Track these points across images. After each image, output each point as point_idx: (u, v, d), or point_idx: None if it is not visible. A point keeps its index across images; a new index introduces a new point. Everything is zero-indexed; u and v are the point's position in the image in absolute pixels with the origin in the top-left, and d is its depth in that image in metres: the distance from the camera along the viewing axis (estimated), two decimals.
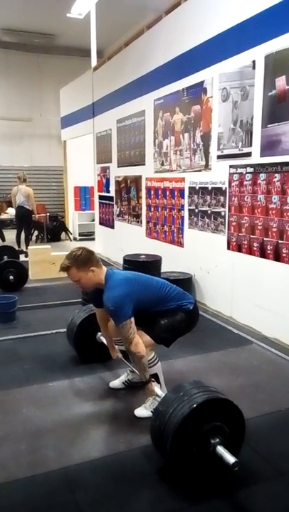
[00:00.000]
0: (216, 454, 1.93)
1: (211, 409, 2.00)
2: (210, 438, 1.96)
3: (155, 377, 2.57)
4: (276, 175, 3.61)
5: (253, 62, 3.79)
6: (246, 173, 3.96)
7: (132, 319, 2.40)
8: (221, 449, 1.93)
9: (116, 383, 2.95)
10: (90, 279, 2.51)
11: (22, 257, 6.88)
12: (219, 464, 1.93)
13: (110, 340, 2.90)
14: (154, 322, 2.56)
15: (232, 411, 2.08)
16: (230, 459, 1.88)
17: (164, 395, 2.53)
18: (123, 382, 2.94)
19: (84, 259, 2.50)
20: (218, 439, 1.95)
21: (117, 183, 7.10)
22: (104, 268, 2.58)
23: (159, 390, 2.44)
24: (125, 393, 2.88)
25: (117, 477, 2.10)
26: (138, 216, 6.42)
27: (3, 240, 9.00)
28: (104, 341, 3.01)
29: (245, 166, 3.97)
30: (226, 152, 4.25)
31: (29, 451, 2.29)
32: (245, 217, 4.01)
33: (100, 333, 3.09)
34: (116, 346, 2.91)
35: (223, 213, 4.35)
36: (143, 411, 2.57)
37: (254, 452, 2.28)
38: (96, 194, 8.35)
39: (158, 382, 2.58)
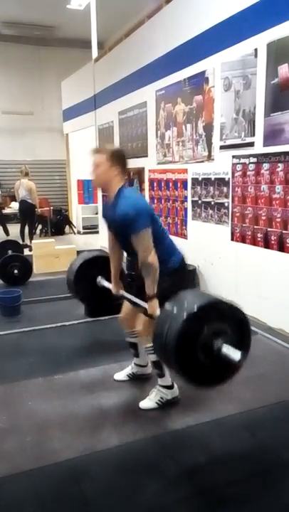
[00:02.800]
0: (221, 356, 1.88)
1: (208, 314, 1.94)
2: (212, 341, 1.90)
3: (159, 363, 2.52)
4: (279, 164, 3.58)
5: (255, 50, 3.74)
6: (249, 163, 3.93)
7: (150, 228, 2.33)
8: (225, 349, 1.88)
9: (120, 375, 2.95)
10: (107, 174, 2.42)
11: (26, 251, 6.89)
12: (228, 365, 1.92)
13: (116, 272, 2.77)
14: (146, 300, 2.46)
15: (231, 311, 2.02)
16: (236, 354, 1.84)
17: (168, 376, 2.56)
18: (128, 375, 2.94)
19: (118, 156, 2.45)
20: (220, 340, 1.90)
21: None
22: (123, 183, 2.51)
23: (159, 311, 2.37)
24: (130, 385, 2.88)
25: (123, 468, 2.11)
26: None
27: (7, 234, 9.01)
28: (105, 284, 2.89)
29: (248, 156, 3.94)
30: (228, 142, 4.21)
31: (35, 443, 2.30)
32: (249, 208, 3.99)
33: (100, 277, 2.96)
34: (132, 340, 2.85)
35: (226, 204, 4.33)
36: (148, 402, 2.58)
37: (259, 442, 2.29)
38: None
39: (161, 368, 2.55)
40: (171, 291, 2.46)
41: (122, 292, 2.74)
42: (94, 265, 2.97)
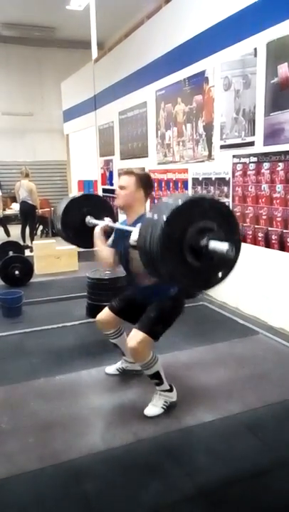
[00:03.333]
0: (210, 252, 1.79)
1: (188, 214, 1.84)
2: (198, 239, 1.81)
3: (157, 374, 2.54)
4: (280, 164, 3.58)
5: (255, 49, 3.74)
6: (250, 162, 3.93)
7: None
8: (212, 243, 1.78)
9: (111, 369, 3.04)
10: (133, 196, 2.54)
11: (27, 252, 6.90)
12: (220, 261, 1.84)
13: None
14: (144, 317, 2.51)
15: (212, 207, 1.92)
16: (223, 246, 1.75)
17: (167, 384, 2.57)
18: (117, 369, 3.03)
19: (145, 181, 2.57)
20: (206, 237, 1.80)
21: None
22: (146, 206, 2.64)
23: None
24: (132, 385, 2.89)
25: (125, 469, 2.12)
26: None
27: (8, 235, 9.01)
28: (95, 222, 2.86)
29: (248, 156, 3.93)
30: (228, 142, 4.21)
31: (37, 444, 2.31)
32: (249, 207, 3.99)
33: (89, 217, 2.95)
34: (112, 341, 2.89)
35: (227, 204, 4.32)
36: (153, 409, 2.56)
37: (260, 442, 2.29)
38: (100, 187, 8.32)
39: (160, 378, 2.56)
40: (170, 315, 2.54)
41: (110, 224, 2.74)
42: (81, 205, 2.96)
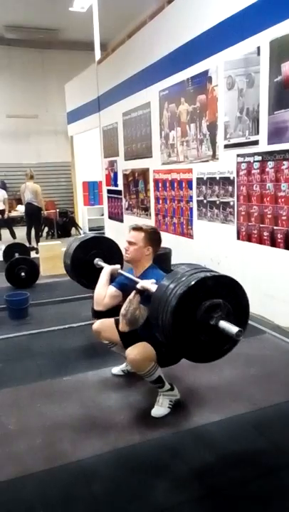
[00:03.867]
0: (219, 329, 1.89)
1: (207, 288, 1.94)
2: (211, 314, 1.90)
3: (159, 379, 2.53)
4: (284, 162, 3.57)
5: (258, 48, 3.73)
6: (254, 161, 3.92)
7: None
8: (223, 322, 1.88)
9: (116, 370, 3.08)
10: (141, 252, 2.62)
11: (33, 254, 6.93)
12: (225, 340, 1.94)
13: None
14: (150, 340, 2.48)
15: (231, 287, 2.03)
16: (233, 328, 1.84)
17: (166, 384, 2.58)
18: (122, 370, 3.06)
19: (154, 238, 2.67)
20: (219, 314, 1.90)
21: (125, 176, 7.09)
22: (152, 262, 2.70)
23: (148, 284, 2.37)
24: (138, 385, 2.89)
25: (132, 469, 2.12)
26: (147, 209, 6.40)
27: (14, 237, 9.06)
28: (103, 265, 3.01)
29: (252, 155, 3.92)
30: (232, 141, 4.20)
31: (44, 445, 2.31)
32: (254, 207, 3.98)
33: (97, 259, 3.16)
34: (112, 349, 2.89)
35: (231, 203, 4.32)
36: (160, 410, 2.56)
37: (267, 442, 2.28)
38: (104, 188, 8.34)
39: (162, 382, 2.56)
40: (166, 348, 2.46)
41: (120, 271, 2.83)
42: (90, 247, 3.16)
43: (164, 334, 1.99)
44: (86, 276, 3.27)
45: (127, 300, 2.46)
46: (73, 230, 10.41)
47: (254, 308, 4.16)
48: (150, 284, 2.34)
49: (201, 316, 1.90)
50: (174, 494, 1.95)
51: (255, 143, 3.87)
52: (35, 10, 9.54)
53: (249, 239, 4.11)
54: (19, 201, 9.79)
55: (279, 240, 3.73)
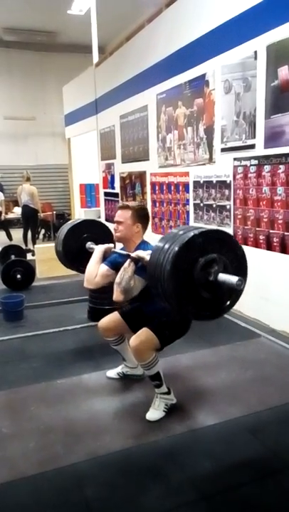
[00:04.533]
0: (219, 283, 1.88)
1: (198, 246, 1.93)
2: (208, 270, 1.89)
3: (158, 375, 2.54)
4: (281, 166, 3.58)
5: (255, 52, 3.74)
6: (250, 165, 3.93)
7: None
8: (222, 275, 1.88)
9: (112, 373, 3.04)
10: (131, 230, 2.59)
11: (29, 256, 6.91)
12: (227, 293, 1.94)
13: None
14: (155, 320, 2.52)
15: (222, 240, 2.01)
16: (233, 279, 1.84)
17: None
18: (118, 373, 3.02)
19: (142, 215, 2.64)
20: (216, 268, 1.89)
21: (122, 179, 7.09)
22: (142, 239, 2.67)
23: (143, 254, 2.35)
24: (133, 389, 2.88)
25: (126, 473, 2.11)
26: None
27: (10, 239, 9.04)
28: (94, 246, 2.93)
29: (249, 159, 3.93)
30: (229, 145, 4.21)
31: (38, 448, 2.30)
32: (251, 210, 3.98)
33: (89, 243, 3.07)
34: (114, 347, 2.90)
35: (228, 207, 4.32)
36: (155, 413, 2.54)
37: (262, 445, 2.28)
38: (101, 191, 8.34)
39: (160, 380, 2.56)
40: (177, 328, 2.54)
41: (113, 249, 2.78)
42: (81, 232, 3.07)
43: (166, 300, 1.96)
44: (79, 261, 3.11)
45: (122, 268, 2.42)
46: None
47: (250, 312, 4.19)
48: (145, 254, 2.31)
49: (199, 274, 1.88)
50: (169, 498, 1.93)
51: (252, 147, 3.88)
52: (33, 12, 9.57)
53: (245, 242, 4.11)
54: (16, 203, 9.78)
55: (275, 244, 3.73)
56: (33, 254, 6.93)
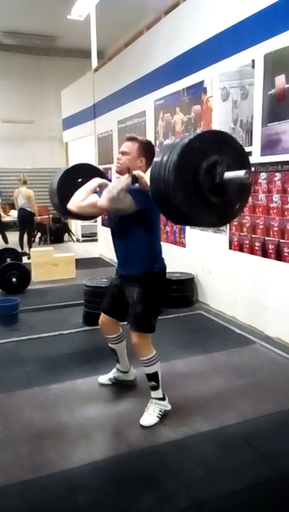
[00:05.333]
0: (226, 183, 1.85)
1: (197, 151, 1.87)
2: (213, 173, 1.85)
3: (155, 375, 2.55)
4: (277, 174, 3.60)
5: (253, 61, 3.78)
6: None
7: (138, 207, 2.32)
8: (228, 173, 1.85)
9: (104, 379, 3.00)
10: (134, 163, 2.45)
11: (25, 259, 6.89)
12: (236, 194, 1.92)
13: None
14: (131, 314, 2.50)
15: (219, 139, 1.97)
16: (240, 173, 1.82)
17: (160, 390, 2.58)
18: (109, 379, 2.99)
19: (149, 150, 2.51)
20: (220, 169, 1.85)
21: None
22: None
23: (144, 175, 2.28)
24: (127, 395, 2.87)
25: (119, 479, 2.10)
26: None
27: (6, 242, 9.01)
28: None
29: None
30: None
31: (31, 453, 2.29)
32: (247, 217, 4.00)
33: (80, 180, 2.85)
34: (112, 346, 2.87)
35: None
36: (149, 418, 2.53)
37: (256, 452, 2.28)
38: None
39: (157, 381, 2.56)
40: (155, 300, 2.53)
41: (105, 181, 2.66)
42: (75, 177, 2.87)
43: (178, 215, 1.92)
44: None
45: (118, 180, 2.35)
46: (66, 236, 10.38)
47: (244, 319, 4.20)
48: (145, 176, 2.24)
49: (204, 179, 1.84)
50: (162, 505, 1.93)
51: (249, 154, 3.90)
52: (33, 17, 9.59)
53: (241, 249, 4.13)
54: (12, 206, 9.76)
55: (270, 251, 3.75)
56: (29, 258, 6.92)
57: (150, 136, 5.80)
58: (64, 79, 10.22)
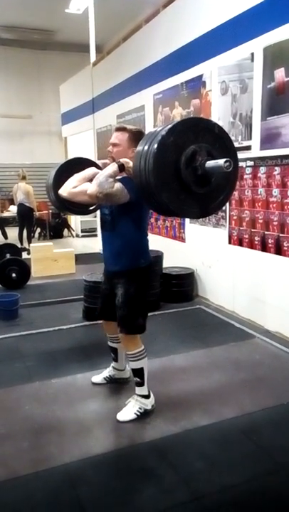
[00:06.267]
0: (207, 170, 1.82)
1: (173, 145, 1.83)
2: (193, 166, 1.82)
3: (140, 371, 2.53)
4: (276, 168, 3.59)
5: (252, 54, 3.75)
6: (246, 166, 3.94)
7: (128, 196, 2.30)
8: (209, 163, 1.81)
9: (98, 378, 2.97)
10: (125, 153, 2.43)
11: (24, 255, 6.89)
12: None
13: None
14: (119, 317, 2.48)
15: (194, 126, 1.93)
16: (220, 161, 1.78)
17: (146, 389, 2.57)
18: (104, 378, 2.96)
19: (139, 138, 2.35)
20: (200, 160, 1.82)
21: None
22: None
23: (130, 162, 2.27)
24: (126, 389, 2.87)
25: (119, 473, 2.11)
26: None
27: (6, 237, 9.01)
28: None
29: (245, 160, 3.94)
30: None
31: (31, 448, 2.30)
32: (246, 211, 3.99)
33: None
34: (112, 345, 2.86)
35: (223, 207, 4.32)
36: (127, 414, 2.52)
37: (256, 446, 2.28)
38: None
39: (142, 377, 2.54)
40: (141, 297, 2.50)
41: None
42: (70, 172, 2.77)
43: (167, 212, 1.92)
44: (74, 202, 2.76)
45: (105, 168, 2.35)
46: (66, 232, 10.37)
47: (244, 313, 4.20)
48: (132, 163, 2.21)
49: (186, 173, 1.81)
50: (162, 499, 1.94)
51: (248, 148, 3.89)
52: (31, 11, 9.53)
53: (240, 243, 4.13)
54: (12, 201, 9.74)
55: (270, 245, 3.75)
56: (29, 253, 6.92)
57: (149, 131, 5.77)
58: (62, 73, 10.16)
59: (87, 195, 2.32)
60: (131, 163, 2.25)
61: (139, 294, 2.49)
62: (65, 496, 1.95)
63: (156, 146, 1.80)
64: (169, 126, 1.84)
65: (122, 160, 2.34)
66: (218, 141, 1.93)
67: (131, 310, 2.47)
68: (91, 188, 2.29)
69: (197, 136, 1.86)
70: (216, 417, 2.54)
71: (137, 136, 2.45)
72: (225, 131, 2.04)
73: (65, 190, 2.50)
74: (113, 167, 2.30)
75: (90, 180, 2.41)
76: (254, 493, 1.98)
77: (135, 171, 1.96)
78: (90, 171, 2.55)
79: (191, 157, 1.82)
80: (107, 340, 2.87)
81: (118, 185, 2.28)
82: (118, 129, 2.51)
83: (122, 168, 2.31)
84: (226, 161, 1.77)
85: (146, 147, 1.88)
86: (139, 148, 1.95)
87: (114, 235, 2.49)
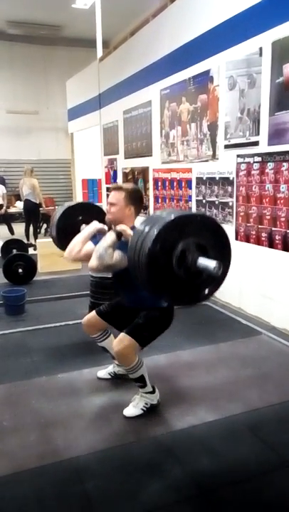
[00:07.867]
0: (199, 268, 1.84)
1: (179, 229, 1.87)
2: (185, 264, 1.84)
3: (141, 378, 2.53)
4: (284, 163, 3.56)
5: (260, 49, 3.72)
6: (254, 162, 3.91)
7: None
8: (201, 261, 1.83)
9: (103, 373, 2.99)
10: (123, 212, 2.52)
11: (31, 250, 6.91)
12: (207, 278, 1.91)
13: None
14: (133, 323, 2.50)
15: (205, 224, 1.98)
16: (211, 264, 1.80)
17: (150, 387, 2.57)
18: (109, 373, 2.98)
19: (136, 197, 2.58)
20: (190, 258, 1.84)
21: (125, 174, 7.07)
22: (137, 218, 2.61)
23: (128, 230, 2.37)
24: (133, 384, 2.87)
25: (126, 468, 2.11)
26: (146, 208, 6.39)
27: (12, 233, 9.04)
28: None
29: (252, 155, 3.92)
30: (233, 141, 4.20)
31: (38, 442, 2.31)
32: (253, 207, 3.98)
33: (84, 225, 2.90)
34: (100, 344, 2.85)
35: (230, 203, 4.31)
36: (133, 410, 2.54)
37: (262, 442, 2.29)
38: (104, 186, 8.33)
39: (144, 382, 2.55)
40: (157, 325, 2.51)
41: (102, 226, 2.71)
42: (75, 215, 2.96)
43: (140, 269, 1.91)
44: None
45: (104, 238, 2.41)
46: None
47: (251, 309, 4.19)
48: (129, 231, 2.29)
49: (179, 273, 1.85)
50: (167, 494, 1.94)
51: (256, 144, 3.87)
52: (37, 6, 9.52)
53: (247, 239, 4.11)
54: (18, 197, 9.79)
55: (277, 242, 3.73)
56: (35, 249, 6.94)
57: (156, 126, 5.76)
58: (69, 69, 10.16)
59: (89, 267, 2.42)
60: (128, 231, 2.34)
61: (159, 319, 2.52)
62: (72, 490, 1.97)
63: (146, 254, 1.82)
64: (164, 222, 1.86)
65: (119, 228, 2.41)
66: (204, 227, 1.97)
67: (147, 322, 2.48)
68: (92, 261, 2.39)
69: (181, 232, 1.88)
70: (222, 413, 2.54)
71: (132, 195, 2.55)
72: (208, 216, 2.10)
73: (71, 255, 2.61)
74: (111, 236, 2.38)
75: (94, 236, 2.58)
76: (260, 488, 1.98)
77: (134, 236, 1.97)
78: (93, 227, 2.65)
79: (182, 256, 1.84)
80: (96, 343, 2.84)
81: (117, 254, 2.35)
82: (115, 189, 2.58)
83: (119, 236, 2.38)
84: (216, 264, 1.79)
85: (139, 244, 1.88)
86: (140, 227, 1.94)
87: (128, 288, 2.55)
